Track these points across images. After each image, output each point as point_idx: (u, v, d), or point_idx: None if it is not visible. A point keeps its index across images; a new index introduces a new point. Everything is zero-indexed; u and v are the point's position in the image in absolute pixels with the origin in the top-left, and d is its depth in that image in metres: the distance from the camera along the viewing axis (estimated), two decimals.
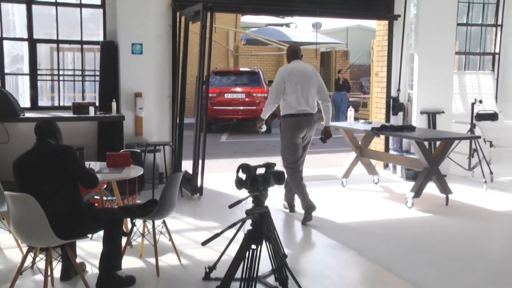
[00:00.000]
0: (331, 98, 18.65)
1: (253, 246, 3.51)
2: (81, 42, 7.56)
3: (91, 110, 6.98)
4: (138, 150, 6.03)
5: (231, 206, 3.52)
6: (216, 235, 3.52)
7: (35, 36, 7.31)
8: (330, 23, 27.35)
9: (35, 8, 7.25)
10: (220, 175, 8.23)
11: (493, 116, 8.19)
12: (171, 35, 7.65)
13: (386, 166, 8.76)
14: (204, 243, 3.44)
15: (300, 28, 28.08)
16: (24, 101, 7.44)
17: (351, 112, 7.72)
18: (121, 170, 4.73)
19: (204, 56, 6.72)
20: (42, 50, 7.66)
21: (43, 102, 7.66)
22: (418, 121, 8.18)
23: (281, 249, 4.29)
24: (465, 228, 5.80)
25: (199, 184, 6.81)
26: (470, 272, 4.53)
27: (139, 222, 4.68)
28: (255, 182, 3.65)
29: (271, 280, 4.02)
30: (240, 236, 3.78)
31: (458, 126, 8.04)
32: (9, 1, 7.36)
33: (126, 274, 4.05)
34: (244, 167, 3.66)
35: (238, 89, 14.82)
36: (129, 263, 4.43)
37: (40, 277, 3.97)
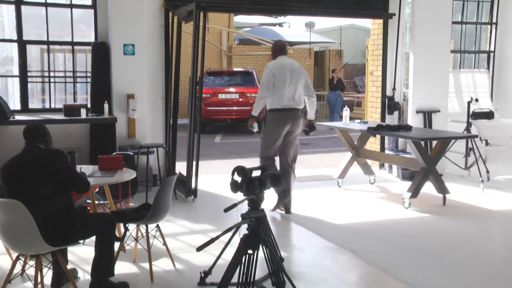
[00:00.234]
0: (325, 97, 18.67)
1: (250, 251, 3.42)
2: (72, 43, 7.45)
3: (83, 112, 6.87)
4: (131, 153, 5.93)
5: (226, 210, 3.42)
6: (212, 240, 3.43)
7: (25, 37, 7.20)
8: (323, 22, 27.30)
9: (24, 8, 7.13)
10: (214, 176, 8.14)
11: (489, 115, 8.13)
12: (163, 36, 7.56)
13: (382, 166, 8.70)
14: (199, 249, 3.35)
15: (294, 28, 28.04)
16: (14, 103, 7.31)
17: (346, 112, 7.65)
18: (113, 174, 4.63)
19: (198, 56, 6.63)
20: (33, 51, 7.55)
21: (34, 104, 7.55)
22: (414, 120, 8.11)
23: (278, 253, 4.20)
24: (464, 228, 5.73)
25: (193, 186, 6.71)
26: (469, 273, 4.46)
27: (132, 227, 4.57)
28: (251, 185, 3.56)
29: (268, 284, 3.93)
30: (236, 239, 3.69)
31: (454, 125, 7.99)
32: None
33: (119, 281, 3.95)
34: (239, 170, 3.57)
35: (232, 89, 14.74)
36: (122, 268, 4.33)
37: (30, 284, 3.86)
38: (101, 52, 7.23)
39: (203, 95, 13.04)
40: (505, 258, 4.93)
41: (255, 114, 5.99)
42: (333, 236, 5.35)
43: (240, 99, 14.51)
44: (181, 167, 7.39)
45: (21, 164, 3.66)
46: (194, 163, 6.70)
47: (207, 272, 4.06)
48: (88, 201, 4.79)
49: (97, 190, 5.10)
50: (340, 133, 7.47)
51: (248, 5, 8.25)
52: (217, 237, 3.43)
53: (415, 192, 6.26)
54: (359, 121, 7.70)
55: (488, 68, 9.43)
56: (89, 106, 7.23)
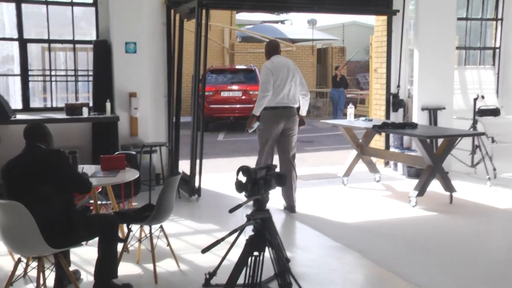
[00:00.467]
0: (328, 95, 18.57)
1: (256, 253, 3.35)
2: (73, 42, 7.39)
3: (85, 111, 6.81)
4: (133, 152, 5.85)
5: (231, 211, 3.34)
6: (217, 242, 3.35)
7: (26, 36, 7.14)
8: (326, 19, 27.11)
9: (25, 7, 7.07)
10: (218, 175, 8.08)
11: (495, 112, 8.04)
12: (165, 33, 7.49)
13: (387, 163, 8.62)
14: (204, 251, 3.27)
15: (296, 25, 27.92)
16: (16, 102, 7.25)
17: (351, 110, 7.55)
18: (116, 174, 4.56)
19: (200, 54, 6.55)
20: (33, 50, 7.49)
21: (35, 103, 7.49)
22: (419, 117, 8.02)
23: (283, 254, 4.13)
24: (471, 227, 5.66)
25: (197, 185, 6.64)
26: (477, 272, 4.39)
27: (135, 227, 4.50)
28: (255, 185, 3.48)
29: (274, 285, 3.85)
30: (241, 240, 3.62)
31: (460, 122, 7.90)
32: None
33: (123, 282, 3.89)
34: (244, 170, 3.49)
35: (235, 87, 14.66)
36: (126, 269, 4.27)
37: (32, 287, 3.80)
38: (102, 50, 7.16)
39: (206, 93, 12.96)
40: None
41: (257, 114, 5.97)
42: (339, 235, 5.28)
43: (243, 97, 14.43)
44: (184, 165, 7.32)
45: (21, 164, 3.59)
46: (198, 161, 6.63)
47: (212, 273, 3.98)
48: (90, 201, 4.73)
49: (100, 190, 5.03)
50: (345, 131, 7.39)
51: (250, 2, 8.15)
52: (223, 239, 3.35)
53: (421, 190, 6.18)
54: (363, 118, 7.61)
55: (494, 64, 9.33)
56: (91, 105, 7.16)
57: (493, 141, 7.88)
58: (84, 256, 4.54)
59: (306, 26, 24.75)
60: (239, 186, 3.50)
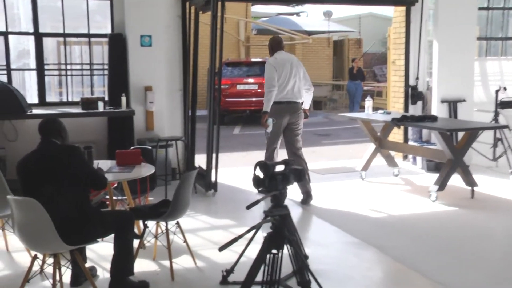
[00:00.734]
0: (345, 87, 18.40)
1: (274, 251, 3.27)
2: (89, 35, 7.36)
3: (100, 105, 6.78)
4: (149, 147, 5.81)
5: (249, 207, 3.27)
6: (234, 240, 3.27)
7: (41, 30, 7.12)
8: (342, 11, 26.96)
9: (40, 1, 7.04)
10: (234, 169, 8.01)
11: None
12: (180, 26, 7.42)
13: (405, 157, 8.48)
14: (222, 249, 3.21)
15: (312, 17, 27.74)
16: (32, 97, 7.25)
17: (369, 102, 7.42)
18: (131, 169, 4.51)
19: (215, 47, 6.48)
20: (49, 44, 7.47)
21: (51, 97, 7.50)
22: (438, 110, 7.86)
23: (302, 251, 4.05)
24: (494, 222, 5.52)
25: (213, 179, 6.58)
26: (500, 269, 4.27)
27: (151, 223, 4.46)
28: (273, 181, 3.40)
29: (292, 282, 3.78)
30: (259, 236, 3.55)
31: (481, 115, 7.73)
32: None
33: (139, 279, 3.85)
34: (261, 165, 3.41)
35: (251, 80, 14.56)
36: (142, 266, 4.23)
37: (48, 283, 3.77)
38: (117, 44, 7.12)
39: (222, 86, 12.90)
40: None
41: (268, 110, 5.97)
42: (357, 230, 5.19)
43: (259, 90, 14.29)
44: (200, 159, 7.26)
45: (36, 160, 3.56)
46: (214, 155, 6.57)
47: (230, 271, 3.93)
48: (106, 197, 4.69)
49: (115, 185, 4.99)
50: (363, 124, 7.27)
51: None
52: (240, 236, 3.28)
53: (442, 184, 6.05)
54: (382, 111, 7.48)
55: None
56: (106, 99, 7.13)
57: None
58: (101, 252, 4.51)
59: (322, 18, 24.51)
60: (257, 182, 3.43)
